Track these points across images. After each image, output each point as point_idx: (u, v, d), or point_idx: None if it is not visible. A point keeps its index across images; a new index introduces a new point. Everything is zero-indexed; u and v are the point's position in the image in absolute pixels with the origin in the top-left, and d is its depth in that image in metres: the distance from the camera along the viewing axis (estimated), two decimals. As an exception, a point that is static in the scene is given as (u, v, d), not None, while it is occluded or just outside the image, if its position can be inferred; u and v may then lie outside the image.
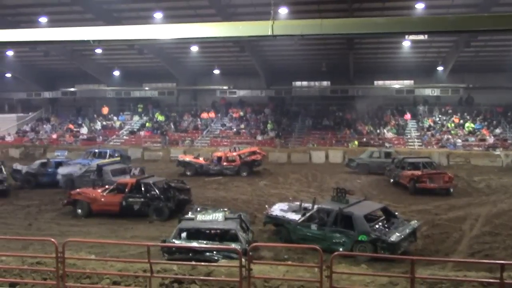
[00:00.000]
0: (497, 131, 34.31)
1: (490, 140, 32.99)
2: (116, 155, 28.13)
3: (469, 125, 35.12)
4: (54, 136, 39.38)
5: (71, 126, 40.90)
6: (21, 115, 43.71)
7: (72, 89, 42.95)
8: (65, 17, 29.02)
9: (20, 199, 21.13)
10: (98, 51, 35.54)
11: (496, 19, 13.20)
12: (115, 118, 41.89)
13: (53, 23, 26.87)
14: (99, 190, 18.51)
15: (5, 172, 22.69)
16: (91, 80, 41.44)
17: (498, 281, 7.92)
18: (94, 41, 15.47)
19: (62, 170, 23.22)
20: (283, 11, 24.75)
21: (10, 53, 36.53)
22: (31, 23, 27.71)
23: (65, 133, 39.92)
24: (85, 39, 15.32)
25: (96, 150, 28.84)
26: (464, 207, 18.75)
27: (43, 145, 37.41)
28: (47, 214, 18.60)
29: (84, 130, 39.92)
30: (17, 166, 25.02)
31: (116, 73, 40.29)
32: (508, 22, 13.03)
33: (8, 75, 42.35)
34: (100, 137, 38.44)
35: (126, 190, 17.89)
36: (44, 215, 18.46)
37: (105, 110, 42.34)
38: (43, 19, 27.64)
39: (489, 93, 36.55)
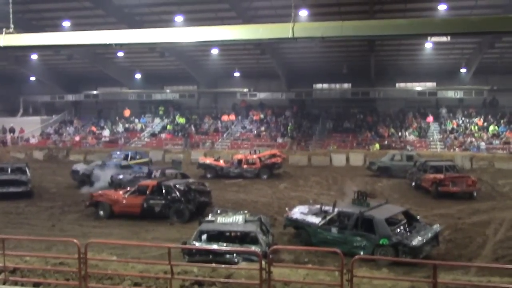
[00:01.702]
0: (522, 133, 33.68)
1: (515, 143, 32.40)
2: (138, 156, 28.47)
3: (493, 128, 34.52)
4: (77, 138, 39.88)
5: (93, 128, 41.39)
6: (45, 118, 44.32)
7: (95, 92, 43.50)
8: (88, 21, 29.39)
9: (43, 201, 21.46)
10: (120, 54, 35.99)
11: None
12: (136, 120, 42.28)
13: (76, 27, 27.26)
14: (121, 192, 18.71)
15: (29, 174, 23.09)
16: (113, 83, 41.95)
17: (523, 287, 7.78)
18: (116, 44, 15.68)
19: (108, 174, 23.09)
20: (304, 13, 24.68)
21: (34, 56, 37.19)
22: (55, 27, 28.13)
23: (87, 135, 40.43)
24: (108, 43, 15.54)
25: (118, 152, 29.11)
26: (488, 211, 18.46)
27: (66, 147, 37.91)
28: (70, 215, 18.86)
29: (106, 132, 40.36)
30: (77, 167, 25.45)
31: (138, 76, 40.72)
32: (533, 23, 12.82)
33: (33, 78, 43.01)
34: (122, 140, 38.82)
35: (147, 192, 18.05)
36: (67, 216, 18.72)
37: (127, 112, 42.72)
38: (66, 23, 28.11)
39: (514, 95, 35.95)
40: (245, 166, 26.96)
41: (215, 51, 34.31)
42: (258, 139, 36.64)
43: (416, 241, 12.59)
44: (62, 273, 9.51)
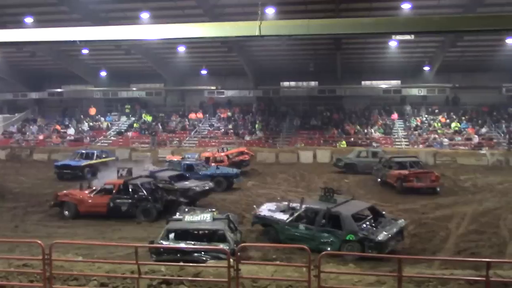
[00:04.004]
0: (483, 130, 34.62)
1: (476, 139, 33.27)
2: (104, 155, 28.09)
3: (455, 125, 35.43)
4: (41, 137, 39.05)
5: (58, 127, 40.56)
6: (7, 116, 43.17)
7: (59, 90, 42.60)
8: (52, 17, 28.81)
9: (6, 201, 20.90)
10: (85, 51, 35.26)
11: (481, 20, 13.38)
12: (102, 118, 41.66)
13: (39, 24, 26.66)
14: (86, 192, 18.42)
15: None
16: (78, 80, 41.14)
17: (484, 278, 8.01)
18: (81, 41, 15.43)
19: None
20: (271, 11, 24.77)
21: (-5, 53, 36.22)
22: (17, 24, 27.44)
23: (52, 134, 39.61)
24: (72, 40, 15.27)
25: (83, 151, 28.63)
26: (451, 205, 18.92)
27: (30, 146, 37.08)
28: (34, 216, 18.42)
29: (71, 131, 39.63)
30: (149, 168, 24.48)
31: (103, 73, 40.04)
32: (492, 22, 13.21)
33: (-6, 75, 41.90)
34: (88, 138, 38.20)
35: (114, 191, 17.81)
36: (30, 217, 18.28)
37: (92, 110, 42.05)
38: (29, 19, 27.40)
39: (475, 93, 36.94)
40: (213, 164, 26.83)
41: (182, 49, 34.08)
42: (226, 137, 36.59)
43: (382, 236, 12.79)
44: (26, 275, 9.32)
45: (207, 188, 20.15)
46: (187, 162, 24.19)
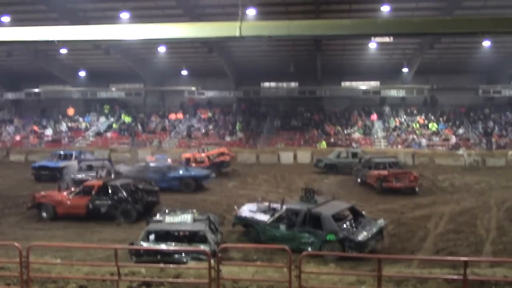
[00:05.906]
0: (460, 131, 35.17)
1: (453, 140, 33.75)
2: (82, 156, 27.71)
3: (433, 125, 35.90)
4: (18, 138, 38.43)
5: (35, 127, 39.98)
6: (-18, 117, 42.49)
7: (36, 90, 41.96)
8: (29, 16, 28.40)
9: (-19, 203, 20.52)
10: (63, 51, 34.81)
11: (458, 22, 13.58)
12: (80, 119, 41.17)
13: (16, 23, 26.22)
14: (65, 193, 18.17)
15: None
16: (56, 80, 40.62)
17: (461, 277, 8.11)
18: (58, 41, 15.25)
19: None
20: (251, 12, 24.78)
21: (-30, 52, 35.51)
22: (-7, 22, 27.01)
23: (29, 134, 39.03)
24: (50, 39, 15.08)
25: (62, 152, 28.27)
26: (429, 205, 19.14)
27: (6, 147, 36.49)
28: (11, 218, 18.11)
29: (48, 131, 39.08)
30: (120, 167, 24.03)
31: (82, 73, 39.58)
32: (469, 25, 13.43)
33: (-31, 75, 41.15)
34: (66, 139, 37.72)
35: (93, 192, 17.60)
36: (7, 219, 17.96)
37: (70, 111, 41.51)
38: (5, 18, 26.95)
39: (452, 94, 37.47)
40: (193, 164, 26.71)
41: (162, 49, 33.92)
42: (206, 138, 36.48)
43: (362, 236, 12.88)
44: (2, 278, 9.16)
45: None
46: (156, 165, 24.06)
